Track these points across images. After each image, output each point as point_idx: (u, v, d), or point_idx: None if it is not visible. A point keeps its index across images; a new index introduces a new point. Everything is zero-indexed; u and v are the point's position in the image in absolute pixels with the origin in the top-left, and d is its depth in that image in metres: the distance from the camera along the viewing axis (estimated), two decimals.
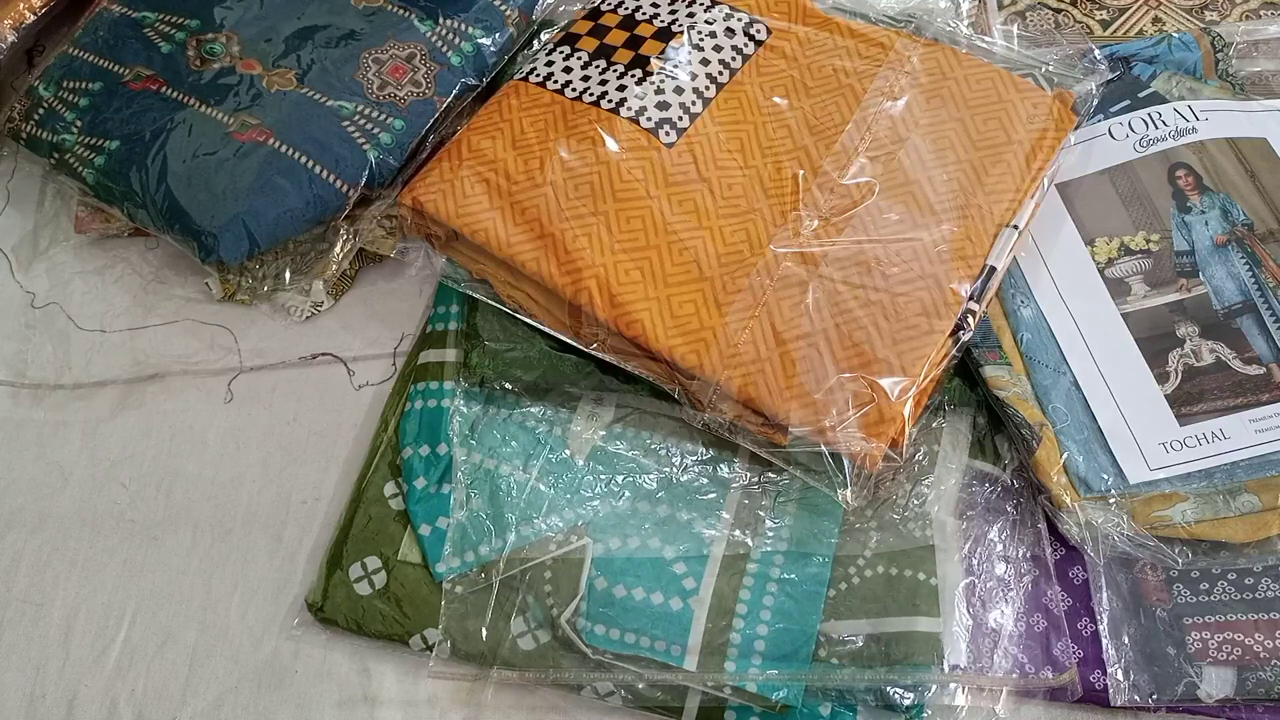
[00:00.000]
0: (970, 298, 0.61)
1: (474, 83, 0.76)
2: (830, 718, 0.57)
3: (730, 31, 0.72)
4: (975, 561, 0.61)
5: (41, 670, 0.64)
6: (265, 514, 0.68)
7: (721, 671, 0.57)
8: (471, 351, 0.68)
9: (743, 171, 0.67)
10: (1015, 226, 0.63)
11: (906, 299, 0.60)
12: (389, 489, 0.66)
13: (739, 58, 0.71)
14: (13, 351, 0.76)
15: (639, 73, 0.69)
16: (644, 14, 0.73)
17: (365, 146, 0.72)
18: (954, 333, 0.60)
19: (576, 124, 0.68)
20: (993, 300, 0.66)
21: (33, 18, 0.80)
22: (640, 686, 0.58)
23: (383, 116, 0.73)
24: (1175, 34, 0.75)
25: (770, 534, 0.62)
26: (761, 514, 0.62)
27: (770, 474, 0.63)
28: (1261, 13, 0.81)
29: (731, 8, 0.73)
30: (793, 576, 0.60)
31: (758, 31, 0.72)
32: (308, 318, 0.75)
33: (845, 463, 0.58)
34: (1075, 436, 0.61)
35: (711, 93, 0.70)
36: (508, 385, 0.67)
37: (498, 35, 0.77)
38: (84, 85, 0.76)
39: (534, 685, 0.60)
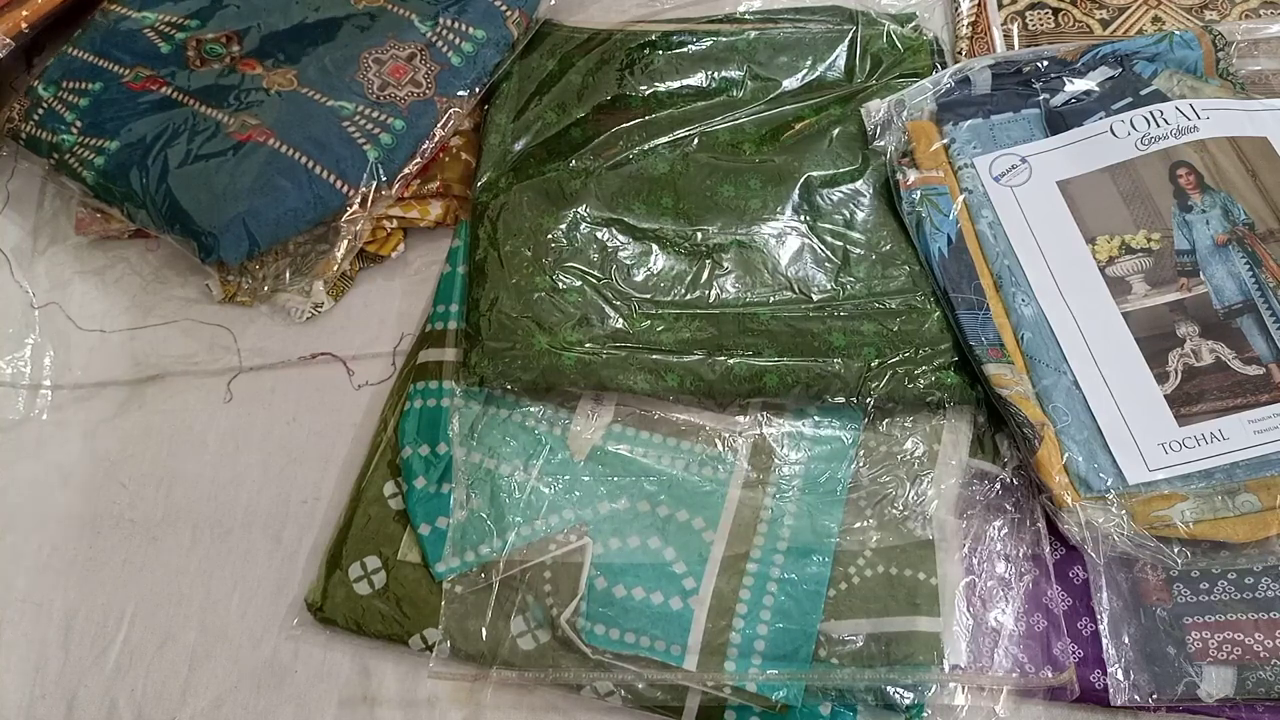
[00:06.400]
0: None
1: (474, 83, 0.76)
2: (830, 718, 0.57)
3: None
4: (975, 560, 0.61)
5: (41, 670, 0.64)
6: (265, 514, 0.68)
7: (721, 671, 0.57)
8: (471, 351, 0.68)
9: None
10: None
11: None
12: (388, 489, 0.66)
13: None
14: (13, 351, 0.76)
15: None
16: None
17: (365, 147, 0.72)
18: None
19: None
20: (995, 297, 0.66)
21: (26, 27, 0.80)
22: (640, 686, 0.58)
23: (383, 117, 0.73)
24: (1176, 32, 0.75)
25: (770, 533, 0.62)
26: (761, 513, 0.62)
27: (770, 473, 0.63)
28: (1261, 12, 0.81)
29: None
30: (793, 576, 0.60)
31: None
32: (308, 318, 0.75)
33: None
34: (1075, 436, 0.61)
35: None
36: (507, 385, 0.67)
37: (499, 36, 0.77)
38: (83, 85, 0.76)
39: (534, 685, 0.60)
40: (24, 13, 0.78)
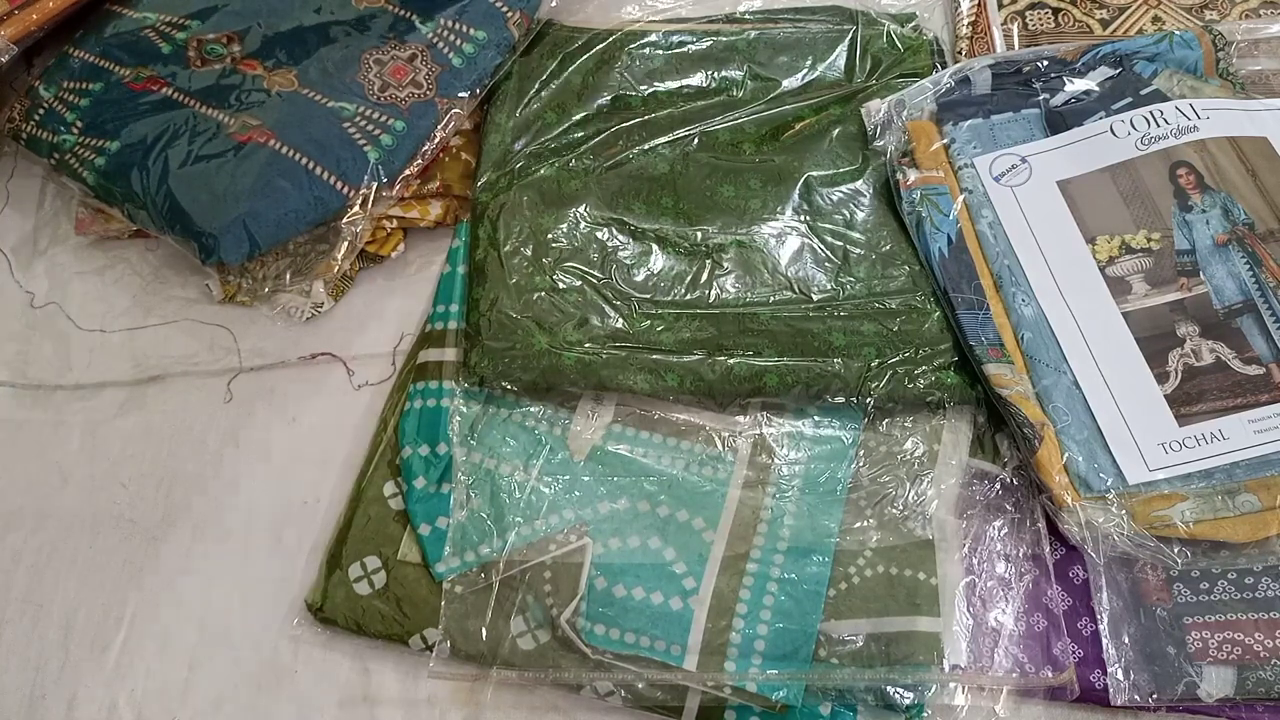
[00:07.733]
0: None
1: (475, 84, 0.76)
2: (830, 718, 0.57)
3: None
4: (975, 560, 0.61)
5: (41, 670, 0.64)
6: (265, 514, 0.68)
7: (721, 671, 0.57)
8: (471, 351, 0.68)
9: None
10: None
11: None
12: (389, 489, 0.66)
13: None
14: (13, 351, 0.76)
15: None
16: None
17: (366, 148, 0.72)
18: None
19: None
20: (995, 297, 0.66)
21: (35, 29, 0.79)
22: (640, 686, 0.58)
23: (383, 118, 0.73)
24: (1177, 32, 0.75)
25: (770, 533, 0.62)
26: (761, 513, 0.62)
27: (770, 473, 0.63)
28: (1261, 12, 0.81)
29: None
30: (793, 576, 0.60)
31: None
32: (308, 318, 0.75)
33: None
34: (1076, 436, 0.61)
35: None
36: (507, 385, 0.67)
37: (499, 37, 0.77)
38: (84, 85, 0.76)
39: (534, 685, 0.60)
40: (34, 16, 0.77)
